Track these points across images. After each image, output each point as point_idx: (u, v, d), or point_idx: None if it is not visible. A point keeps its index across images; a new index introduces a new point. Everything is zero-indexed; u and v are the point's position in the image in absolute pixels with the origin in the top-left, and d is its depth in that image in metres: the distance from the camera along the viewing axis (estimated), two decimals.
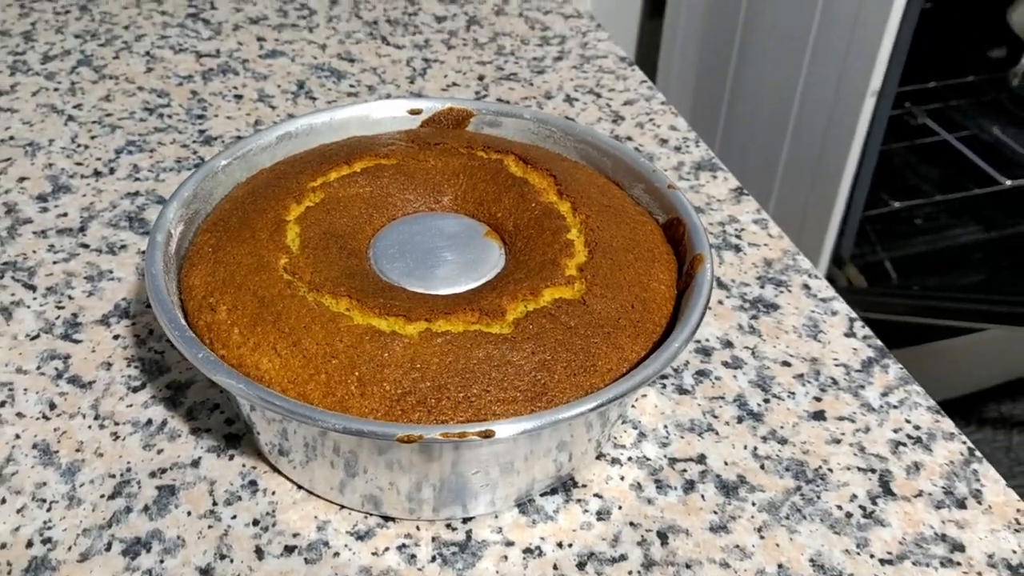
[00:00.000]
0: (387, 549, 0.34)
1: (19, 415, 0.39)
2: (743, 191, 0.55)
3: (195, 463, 0.38)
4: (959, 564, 0.35)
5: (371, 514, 0.35)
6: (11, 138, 0.57)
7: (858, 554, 0.35)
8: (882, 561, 0.35)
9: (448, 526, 0.35)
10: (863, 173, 1.16)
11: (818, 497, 0.37)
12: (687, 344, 0.34)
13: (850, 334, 0.46)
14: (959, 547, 0.36)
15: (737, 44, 1.32)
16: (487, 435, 0.30)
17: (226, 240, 0.37)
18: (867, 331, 0.46)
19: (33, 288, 0.46)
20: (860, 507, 0.37)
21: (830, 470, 0.39)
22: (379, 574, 0.33)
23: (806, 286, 0.49)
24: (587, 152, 0.45)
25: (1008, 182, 1.10)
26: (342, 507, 0.36)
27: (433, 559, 0.34)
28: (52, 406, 0.39)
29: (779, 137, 1.26)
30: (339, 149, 0.42)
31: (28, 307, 0.44)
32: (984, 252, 1.27)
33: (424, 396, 0.31)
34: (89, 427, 0.38)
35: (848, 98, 1.12)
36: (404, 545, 0.35)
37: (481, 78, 0.64)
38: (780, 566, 0.35)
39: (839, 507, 0.37)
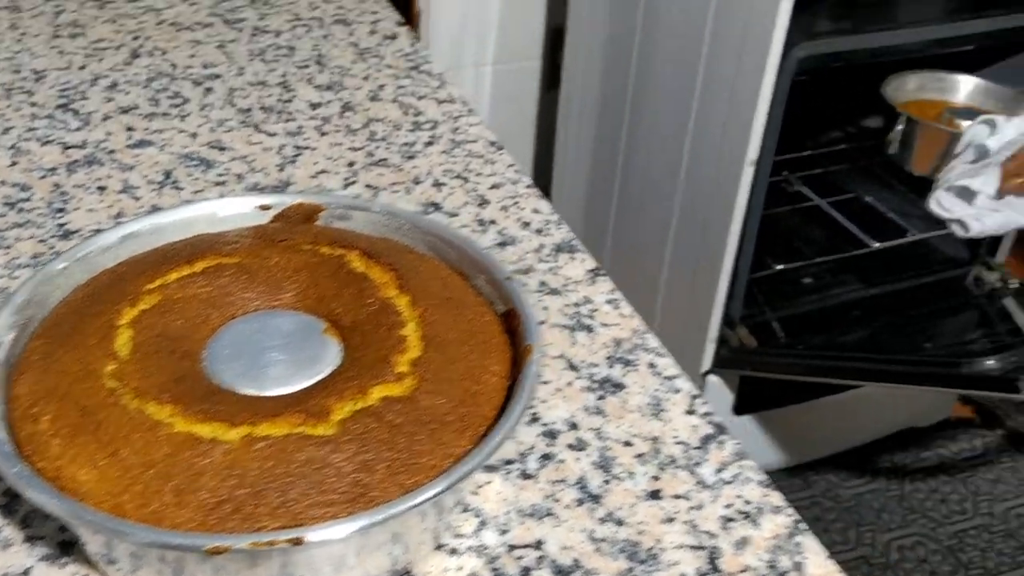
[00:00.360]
0: None
1: None
2: (599, 271, 0.57)
3: (26, 572, 0.37)
4: None
5: None
6: None
7: None
8: None
9: None
10: (747, 238, 1.20)
11: None
12: (506, 438, 0.35)
13: (691, 411, 0.48)
14: None
15: (628, 116, 1.36)
16: (296, 542, 0.30)
17: (56, 346, 0.37)
18: (707, 408, 0.48)
19: None
20: None
21: (662, 549, 0.40)
22: None
23: (652, 365, 0.51)
24: (434, 244, 0.46)
25: (876, 244, 1.16)
26: None
27: None
28: None
29: (669, 204, 1.30)
30: (182, 248, 0.43)
31: None
32: (863, 310, 1.32)
33: (241, 503, 0.32)
34: None
35: (729, 168, 1.17)
36: None
37: (351, 164, 0.66)
38: None
39: None
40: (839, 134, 1.52)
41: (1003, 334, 1.31)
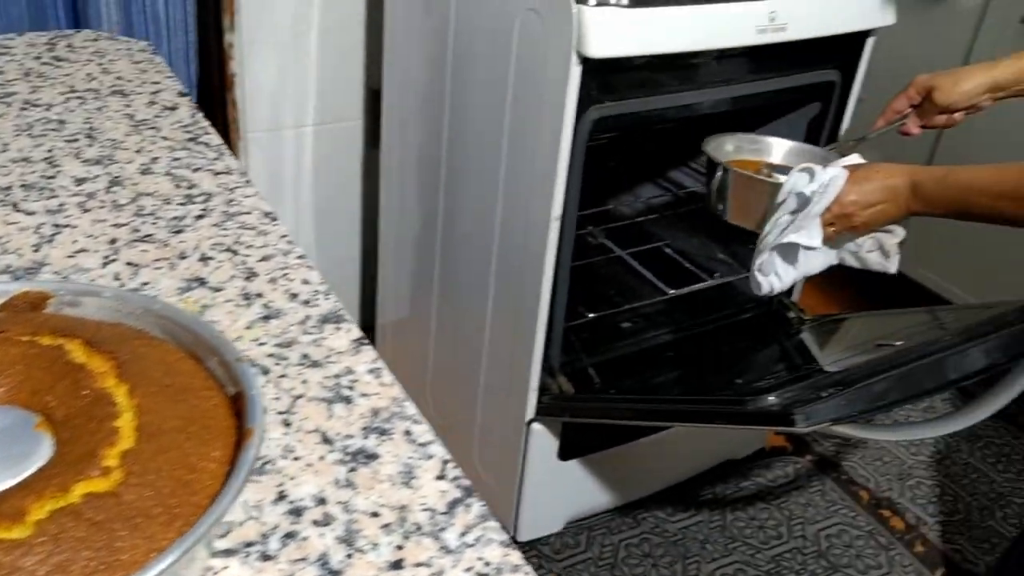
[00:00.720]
0: None
1: None
2: (363, 341, 0.58)
3: None
4: None
5: None
6: None
7: None
8: None
9: None
10: (559, 289, 1.24)
11: None
12: (212, 528, 0.35)
13: (442, 476, 0.49)
14: None
15: (444, 175, 1.39)
16: None
17: None
18: (458, 471, 0.49)
19: None
20: None
21: None
22: None
23: (408, 432, 0.52)
24: (167, 327, 0.46)
25: (671, 291, 1.22)
26: None
27: None
28: None
29: (487, 258, 1.33)
30: None
31: None
32: (675, 352, 1.38)
33: None
34: None
35: (536, 223, 1.20)
36: None
37: (113, 242, 0.64)
38: None
39: None
40: (645, 188, 1.61)
41: (801, 366, 1.40)
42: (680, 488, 1.56)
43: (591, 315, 1.29)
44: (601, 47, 1.06)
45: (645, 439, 1.44)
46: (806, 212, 0.94)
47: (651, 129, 1.27)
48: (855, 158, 0.99)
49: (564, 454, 1.38)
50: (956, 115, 1.04)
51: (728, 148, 1.17)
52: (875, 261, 1.01)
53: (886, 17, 1.22)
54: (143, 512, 0.35)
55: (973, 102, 1.02)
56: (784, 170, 1.07)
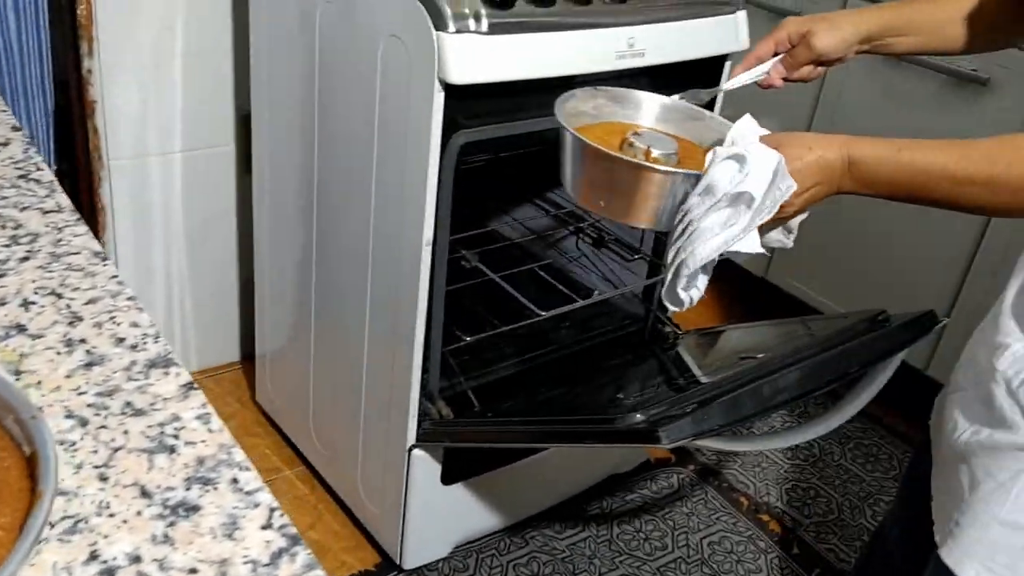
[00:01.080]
0: None
1: None
2: (192, 386, 0.56)
3: None
4: None
5: None
6: None
7: None
8: None
9: None
10: (434, 315, 1.23)
11: None
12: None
13: (268, 525, 0.47)
14: None
15: (317, 200, 1.37)
16: None
17: None
18: (285, 519, 0.48)
19: None
20: None
21: None
22: None
23: (235, 480, 0.50)
24: None
25: (545, 313, 1.23)
26: None
27: None
28: None
29: (363, 285, 1.31)
30: None
31: None
32: (551, 372, 1.39)
33: None
34: None
35: (409, 249, 1.20)
36: None
37: None
38: None
39: None
40: (521, 209, 1.62)
41: (677, 380, 1.43)
42: (568, 504, 1.58)
43: (468, 338, 1.29)
44: (463, 73, 1.06)
45: (528, 459, 1.45)
46: (752, 216, 0.71)
47: (522, 151, 1.28)
48: (751, 123, 0.77)
49: (447, 478, 1.37)
50: (819, 68, 0.93)
51: (586, 108, 0.87)
52: (775, 239, 0.80)
53: (740, 41, 1.27)
54: None
55: (848, 51, 0.91)
56: (658, 139, 0.82)
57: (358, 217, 1.27)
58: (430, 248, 1.18)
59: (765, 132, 0.76)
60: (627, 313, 1.55)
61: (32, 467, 0.40)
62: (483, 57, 1.07)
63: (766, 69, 0.94)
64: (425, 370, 1.28)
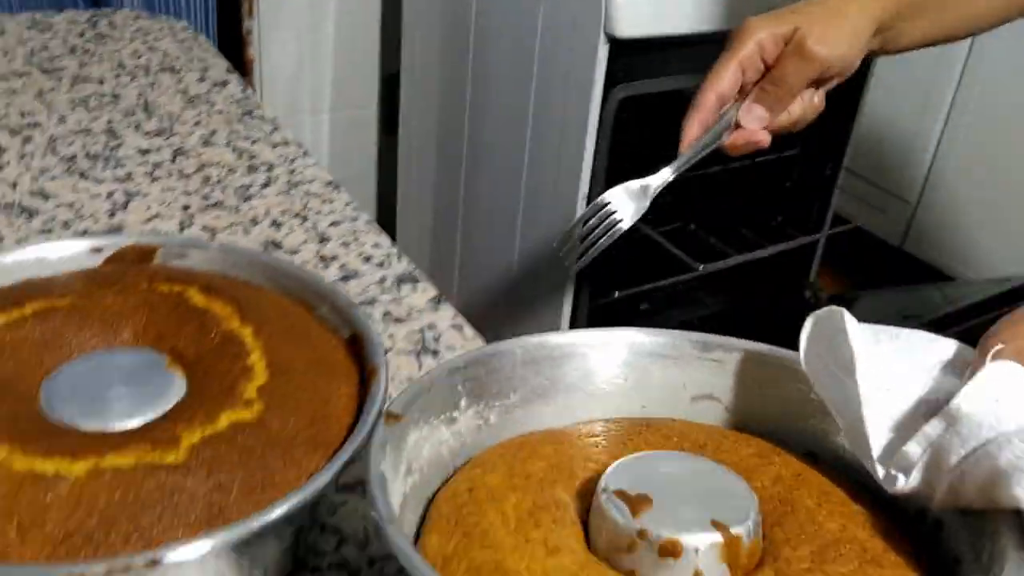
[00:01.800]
0: None
1: None
2: (441, 299, 0.59)
3: None
4: None
5: None
6: None
7: None
8: None
9: None
10: (585, 271, 1.25)
11: None
12: (358, 453, 0.36)
13: None
14: None
15: (465, 159, 1.40)
16: (153, 563, 0.30)
17: None
18: None
19: None
20: None
21: None
22: None
23: None
24: (274, 277, 0.47)
25: (701, 267, 1.24)
26: None
27: None
28: None
29: (510, 247, 1.34)
30: (8, 293, 0.42)
31: None
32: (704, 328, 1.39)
33: (91, 533, 0.32)
34: None
35: (563, 206, 1.22)
36: None
37: (186, 208, 0.65)
38: None
39: None
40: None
41: None
42: None
43: (617, 294, 1.30)
44: (629, 27, 1.08)
45: None
46: None
47: (680, 108, 1.29)
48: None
49: None
50: (819, 94, 0.60)
51: None
52: None
53: None
54: (288, 440, 0.37)
55: (861, 52, 0.58)
56: None
57: (509, 176, 1.30)
58: (585, 203, 1.20)
59: None
60: (786, 275, 1.53)
61: (352, 349, 0.43)
62: (651, 10, 1.08)
63: (731, 118, 0.58)
64: (571, 325, 1.30)
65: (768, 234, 1.51)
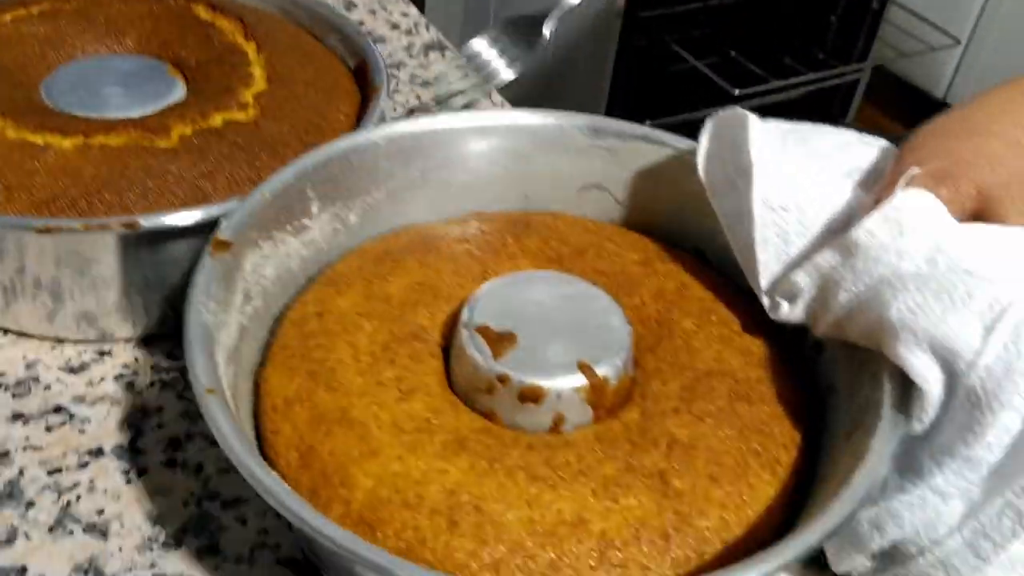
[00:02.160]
0: (103, 379, 0.34)
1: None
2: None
3: None
4: None
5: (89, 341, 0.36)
6: None
7: None
8: None
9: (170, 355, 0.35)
10: (616, 94, 1.22)
11: None
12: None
13: None
14: None
15: None
16: (130, 226, 0.30)
17: None
18: None
19: None
20: None
21: None
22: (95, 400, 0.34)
23: None
24: (284, 6, 0.46)
25: (737, 91, 1.19)
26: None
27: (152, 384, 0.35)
28: None
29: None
30: None
31: None
32: None
33: (74, 200, 0.32)
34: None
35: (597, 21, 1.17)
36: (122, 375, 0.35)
37: None
38: None
39: None
40: None
41: None
42: None
43: (648, 123, 1.26)
44: None
45: None
46: None
47: None
48: None
49: None
50: None
51: None
52: None
53: None
54: (280, 141, 0.36)
55: None
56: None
57: None
58: (619, 21, 1.15)
59: None
60: (824, 113, 1.48)
61: (358, 79, 0.42)
62: None
63: None
64: None
65: (810, 64, 1.44)
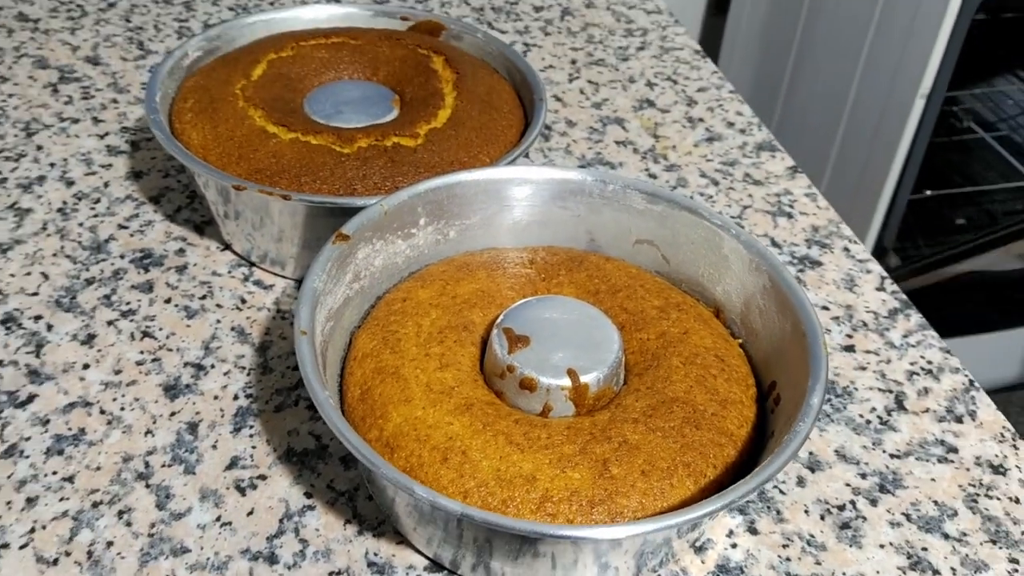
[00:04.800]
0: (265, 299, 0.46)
1: (218, 306, 0.47)
2: (797, 169, 0.60)
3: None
4: (952, 462, 0.41)
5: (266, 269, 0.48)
6: None
7: (873, 449, 0.42)
8: (892, 456, 0.42)
9: None
10: (908, 170, 1.15)
11: (844, 407, 0.44)
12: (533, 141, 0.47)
13: (880, 288, 0.51)
14: (953, 450, 0.42)
15: (796, 44, 1.32)
16: (285, 198, 0.42)
17: (220, 64, 0.52)
18: (895, 287, 0.51)
19: None
20: (878, 417, 0.43)
21: (855, 389, 0.45)
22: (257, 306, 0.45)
23: (846, 249, 0.54)
24: (509, 68, 0.55)
25: None
26: None
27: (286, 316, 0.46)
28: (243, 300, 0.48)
29: (830, 135, 1.25)
30: (331, 30, 0.55)
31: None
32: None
33: (273, 174, 0.45)
34: (272, 317, 0.47)
35: (899, 99, 1.12)
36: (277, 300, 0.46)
37: (573, 62, 0.70)
38: (811, 454, 0.41)
39: (860, 415, 0.43)
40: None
41: None
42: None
43: (928, 192, 1.16)
44: None
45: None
46: None
47: None
48: None
49: None
50: None
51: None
52: None
53: None
54: (426, 168, 0.46)
55: None
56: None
57: (842, 67, 1.19)
58: (923, 102, 1.08)
59: None
60: None
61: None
62: None
63: None
64: (883, 223, 1.19)
65: None
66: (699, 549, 0.37)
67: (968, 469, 0.41)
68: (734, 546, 0.37)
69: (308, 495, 0.38)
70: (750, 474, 0.31)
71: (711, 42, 1.60)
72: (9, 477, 0.38)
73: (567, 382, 0.36)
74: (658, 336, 0.39)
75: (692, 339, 0.38)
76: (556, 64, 0.70)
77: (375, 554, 0.36)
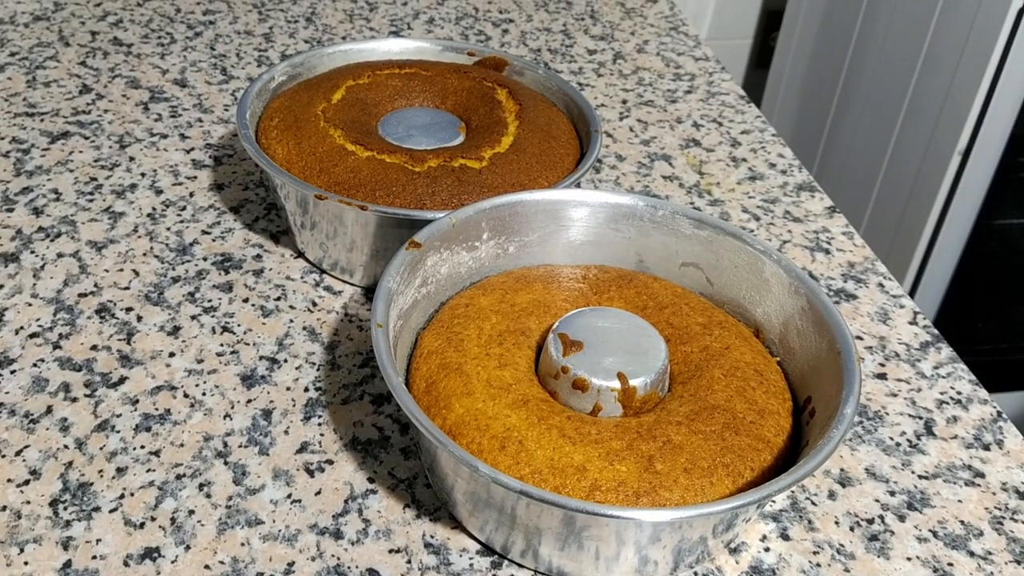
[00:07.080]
0: (333, 303, 0.49)
1: (291, 307, 0.50)
2: (835, 209, 0.62)
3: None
4: (979, 486, 0.43)
5: (335, 276, 0.51)
6: None
7: (902, 469, 0.43)
8: (920, 476, 0.43)
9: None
10: (944, 236, 1.16)
11: (875, 430, 0.45)
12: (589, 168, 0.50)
13: (913, 323, 0.52)
14: (980, 475, 0.43)
15: (836, 98, 1.34)
16: (362, 208, 0.45)
17: (303, 88, 0.56)
18: (927, 322, 0.53)
19: None
20: (907, 440, 0.45)
21: (886, 413, 0.46)
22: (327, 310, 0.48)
23: (881, 284, 0.55)
24: (567, 103, 0.58)
25: None
26: None
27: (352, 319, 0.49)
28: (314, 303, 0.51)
29: (867, 191, 1.27)
30: (405, 61, 0.59)
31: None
32: None
33: (351, 187, 0.48)
34: (341, 320, 0.49)
35: (935, 155, 1.13)
36: (345, 304, 0.49)
37: (624, 102, 0.73)
38: (842, 470, 0.43)
39: (891, 438, 0.45)
40: None
41: None
42: None
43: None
44: None
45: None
46: None
47: None
48: None
49: None
50: None
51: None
52: None
53: None
54: (490, 189, 0.49)
55: None
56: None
57: (880, 124, 1.21)
58: (959, 157, 1.10)
59: None
60: None
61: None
62: None
63: None
64: (910, 292, 1.20)
65: None
66: (733, 550, 0.39)
67: (994, 493, 0.42)
68: (767, 550, 0.39)
69: (371, 480, 0.40)
70: (786, 471, 0.33)
71: (753, 94, 1.62)
72: (102, 448, 0.41)
73: (617, 384, 0.38)
74: (701, 350, 0.41)
75: (733, 354, 0.41)
76: (607, 103, 0.73)
77: (431, 536, 0.38)
